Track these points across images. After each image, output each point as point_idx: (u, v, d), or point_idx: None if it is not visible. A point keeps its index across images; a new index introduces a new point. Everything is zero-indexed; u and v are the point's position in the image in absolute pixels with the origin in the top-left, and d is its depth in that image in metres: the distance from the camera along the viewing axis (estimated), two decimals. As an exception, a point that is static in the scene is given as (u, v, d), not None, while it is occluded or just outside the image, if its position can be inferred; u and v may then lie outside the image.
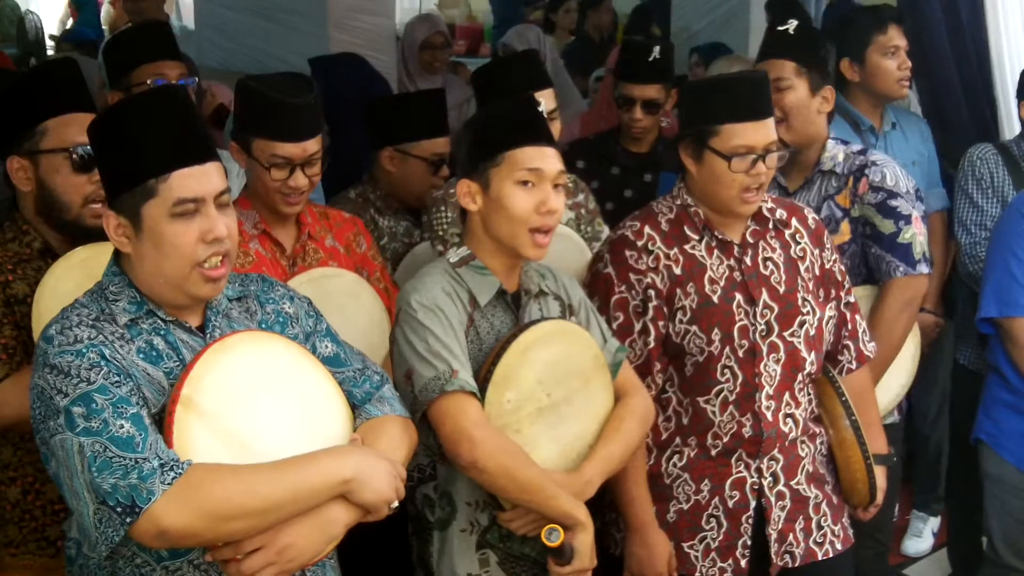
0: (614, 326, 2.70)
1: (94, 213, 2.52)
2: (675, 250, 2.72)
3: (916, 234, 3.22)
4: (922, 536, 4.65)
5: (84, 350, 1.91)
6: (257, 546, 1.93)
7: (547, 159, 2.44)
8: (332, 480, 1.99)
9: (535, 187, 2.42)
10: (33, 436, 2.42)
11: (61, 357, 1.91)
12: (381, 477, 2.04)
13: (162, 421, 1.93)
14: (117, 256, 2.08)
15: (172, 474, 1.85)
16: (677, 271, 2.70)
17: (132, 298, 2.03)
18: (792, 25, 3.26)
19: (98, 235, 2.51)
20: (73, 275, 2.46)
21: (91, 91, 2.80)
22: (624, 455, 2.55)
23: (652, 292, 2.69)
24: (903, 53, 3.84)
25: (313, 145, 2.80)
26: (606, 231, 3.46)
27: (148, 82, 3.30)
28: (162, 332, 2.03)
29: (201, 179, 1.98)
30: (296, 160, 2.78)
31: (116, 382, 1.90)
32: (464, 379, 2.33)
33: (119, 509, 1.83)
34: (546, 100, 3.20)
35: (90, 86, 2.79)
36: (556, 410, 2.45)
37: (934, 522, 4.67)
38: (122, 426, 1.86)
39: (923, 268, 3.23)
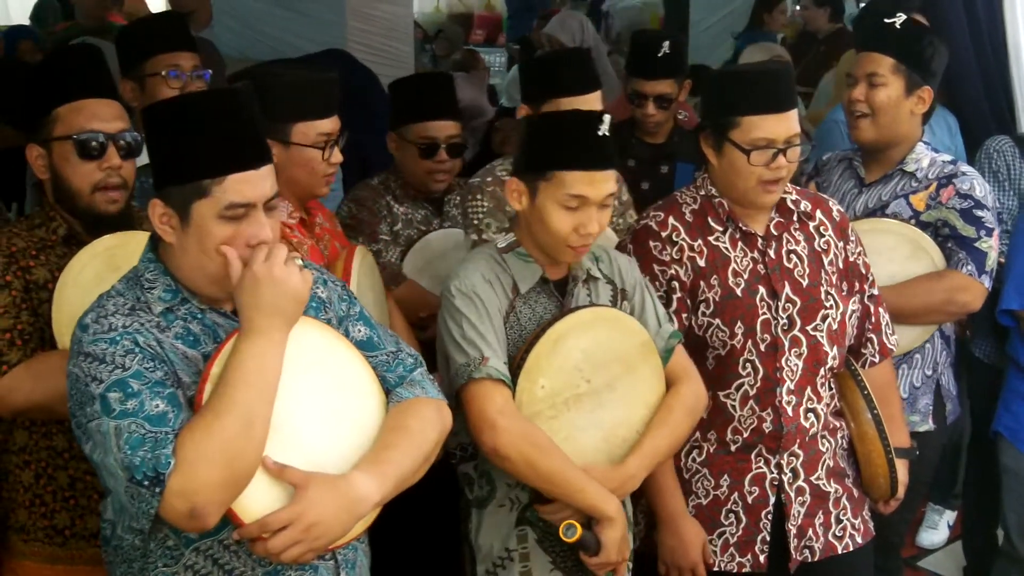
0: None
1: (107, 199, 2.52)
2: (699, 242, 2.70)
3: (992, 248, 3.14)
4: (937, 528, 4.64)
5: (118, 338, 1.93)
6: (284, 524, 1.94)
7: (595, 185, 2.39)
8: None
9: (578, 210, 2.40)
10: (44, 422, 2.46)
11: (95, 345, 1.92)
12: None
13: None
14: (154, 242, 2.08)
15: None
16: (701, 263, 2.69)
17: (167, 286, 2.04)
18: (900, 19, 3.14)
19: (111, 220, 2.53)
20: (95, 264, 2.46)
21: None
22: (671, 447, 2.54)
23: (676, 284, 2.68)
24: None
25: (338, 120, 2.85)
26: None
27: (163, 72, 3.29)
28: (198, 316, 2.05)
29: (255, 184, 1.99)
30: (334, 136, 2.83)
31: (150, 367, 1.92)
32: (493, 366, 2.34)
33: (146, 482, 1.85)
34: (595, 102, 3.12)
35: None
36: (596, 396, 2.45)
37: (950, 515, 4.66)
38: (157, 405, 1.88)
39: (986, 282, 3.14)
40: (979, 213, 3.14)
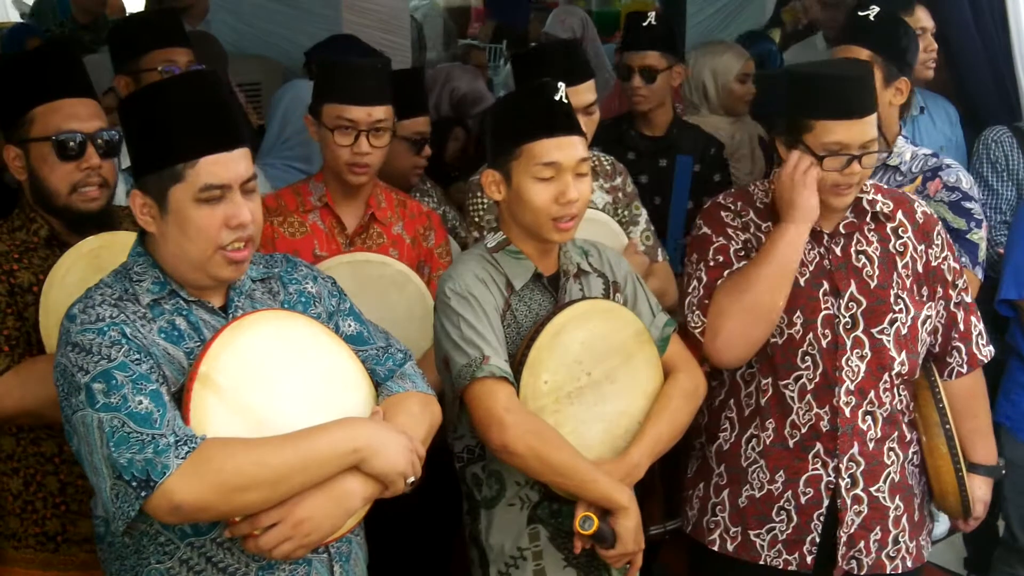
0: (711, 263, 2.67)
1: (86, 198, 2.50)
2: (768, 224, 2.69)
3: (983, 239, 3.15)
4: (939, 520, 4.61)
5: (105, 328, 1.93)
6: (274, 521, 1.94)
7: (564, 150, 2.41)
8: (342, 449, 1.99)
9: (554, 179, 2.40)
10: (31, 427, 2.46)
11: (83, 335, 1.93)
12: (394, 449, 2.04)
13: (181, 399, 1.94)
14: (142, 236, 2.10)
15: (186, 448, 1.86)
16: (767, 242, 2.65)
17: (156, 278, 2.05)
18: (873, 11, 3.15)
19: (92, 219, 2.52)
20: (80, 266, 2.44)
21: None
22: (672, 434, 2.54)
23: (751, 246, 2.67)
24: (929, 35, 3.78)
25: (380, 112, 2.84)
26: (644, 214, 3.42)
27: (159, 68, 3.29)
28: (184, 312, 2.05)
29: (228, 166, 2.00)
30: (361, 125, 2.80)
31: (136, 360, 1.92)
32: (495, 364, 2.34)
33: (134, 483, 1.85)
34: (586, 93, 3.15)
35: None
36: (598, 388, 2.45)
37: (951, 506, 4.64)
38: (141, 402, 1.88)
39: (979, 273, 3.15)
40: (968, 205, 3.15)
